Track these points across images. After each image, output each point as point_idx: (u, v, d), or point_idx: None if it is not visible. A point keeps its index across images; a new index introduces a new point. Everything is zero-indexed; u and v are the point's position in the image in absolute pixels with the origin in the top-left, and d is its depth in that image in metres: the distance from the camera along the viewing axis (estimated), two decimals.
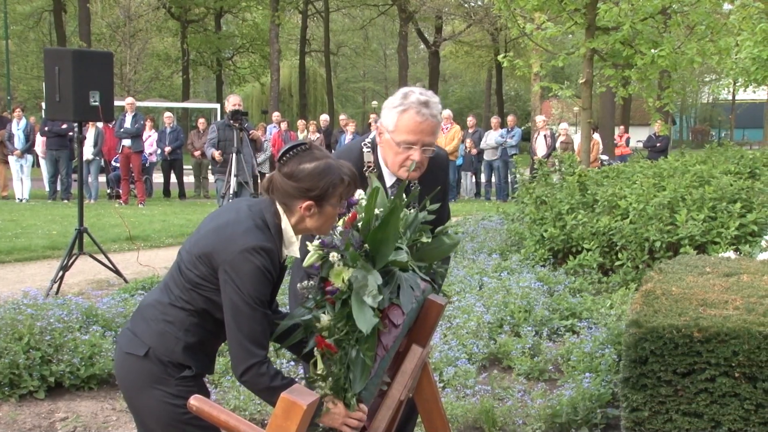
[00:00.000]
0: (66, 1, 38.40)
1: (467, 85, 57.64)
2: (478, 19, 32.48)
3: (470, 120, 19.51)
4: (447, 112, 18.75)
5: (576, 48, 11.37)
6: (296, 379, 2.54)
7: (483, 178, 18.83)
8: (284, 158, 2.59)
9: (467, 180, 19.47)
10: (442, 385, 4.72)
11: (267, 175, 2.73)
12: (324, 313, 2.57)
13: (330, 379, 2.50)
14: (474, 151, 18.46)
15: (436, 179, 3.27)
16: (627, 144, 20.99)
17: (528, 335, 5.42)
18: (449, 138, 17.94)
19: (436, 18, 35.54)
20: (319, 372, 2.54)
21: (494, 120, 18.92)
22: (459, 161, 18.45)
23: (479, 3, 31.56)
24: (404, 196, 2.93)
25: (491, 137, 18.14)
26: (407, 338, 2.89)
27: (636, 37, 10.55)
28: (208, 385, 4.72)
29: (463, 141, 18.39)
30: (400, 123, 3.08)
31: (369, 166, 3.20)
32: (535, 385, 4.88)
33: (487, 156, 18.19)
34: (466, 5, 33.83)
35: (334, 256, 2.57)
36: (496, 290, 6.38)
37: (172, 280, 2.66)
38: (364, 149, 3.23)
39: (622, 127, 22.90)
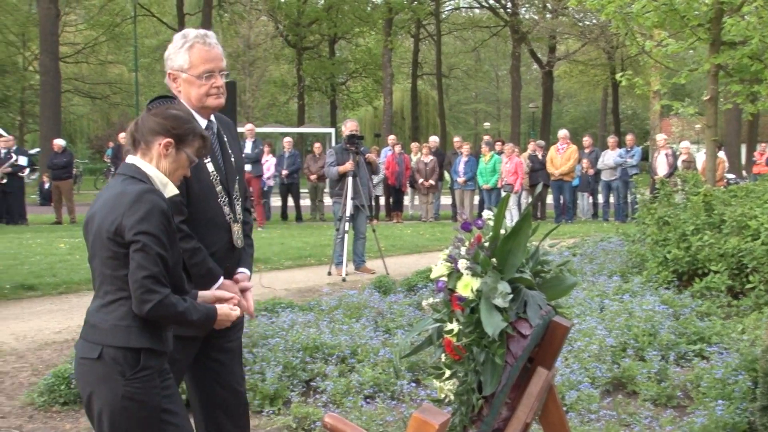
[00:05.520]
0: None
1: (582, 104, 56.73)
2: (594, 37, 31.96)
3: (586, 140, 19.17)
4: (564, 132, 18.49)
5: (699, 64, 11.00)
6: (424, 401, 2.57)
7: (600, 198, 18.43)
8: (154, 104, 2.92)
9: (584, 201, 19.11)
10: (565, 408, 4.62)
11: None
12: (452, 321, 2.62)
13: (454, 381, 2.54)
14: (591, 172, 18.12)
15: (234, 138, 3.52)
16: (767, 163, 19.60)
17: (653, 359, 5.25)
18: (565, 158, 17.69)
19: (550, 38, 35.19)
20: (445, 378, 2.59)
21: (611, 140, 18.51)
22: (575, 182, 18.14)
23: (594, 21, 31.00)
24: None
25: (609, 157, 17.76)
26: (532, 362, 2.86)
27: (765, 51, 10.12)
28: (330, 405, 4.82)
29: (579, 161, 18.08)
30: (193, 58, 3.26)
31: None
32: (663, 411, 4.72)
33: (605, 176, 17.81)
34: (580, 24, 33.33)
35: (463, 263, 2.60)
36: (618, 313, 6.22)
37: (100, 282, 2.78)
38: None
39: (764, 144, 21.58)
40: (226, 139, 3.43)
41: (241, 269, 3.46)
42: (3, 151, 17.30)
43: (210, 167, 3.26)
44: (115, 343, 2.70)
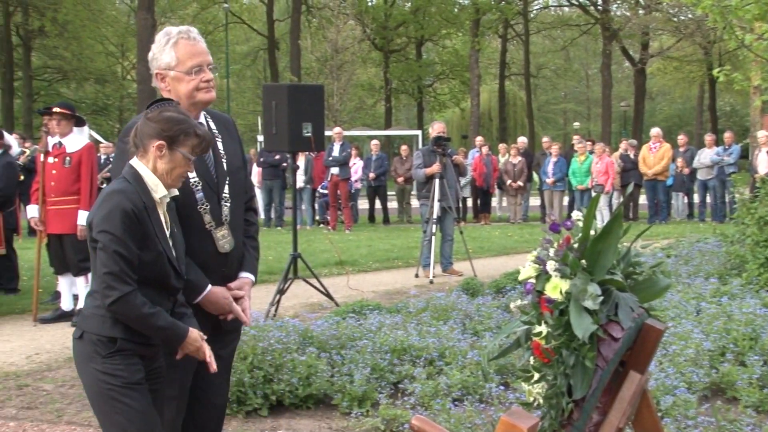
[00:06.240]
0: (279, 39, 40.89)
1: (676, 102, 55.10)
2: (689, 33, 30.96)
3: (681, 138, 18.61)
4: (656, 130, 18.02)
5: None
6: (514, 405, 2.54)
7: (696, 198, 17.86)
8: (152, 107, 3.00)
9: (678, 201, 18.55)
10: (660, 414, 4.48)
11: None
12: (540, 324, 2.58)
13: (543, 384, 2.49)
14: (686, 171, 17.59)
15: (233, 137, 3.46)
16: None
17: (755, 365, 5.04)
18: (658, 157, 17.23)
19: (643, 34, 34.30)
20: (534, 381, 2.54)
21: (709, 137, 17.90)
22: (669, 181, 17.64)
23: (689, 16, 30.05)
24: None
25: (705, 155, 17.20)
26: (624, 365, 2.79)
27: None
28: (418, 407, 4.81)
29: (673, 160, 17.57)
30: (179, 54, 3.24)
31: None
32: (766, 419, 4.52)
33: (701, 175, 17.26)
34: (675, 19, 32.35)
35: (551, 265, 2.55)
36: (715, 316, 6.00)
37: (92, 272, 2.97)
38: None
39: None
40: (220, 139, 3.37)
41: (243, 274, 3.39)
42: (103, 156, 17.93)
43: (191, 173, 3.20)
44: (92, 329, 2.91)
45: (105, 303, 2.82)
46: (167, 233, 2.99)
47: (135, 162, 2.99)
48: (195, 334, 3.01)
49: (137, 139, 2.99)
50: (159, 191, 2.96)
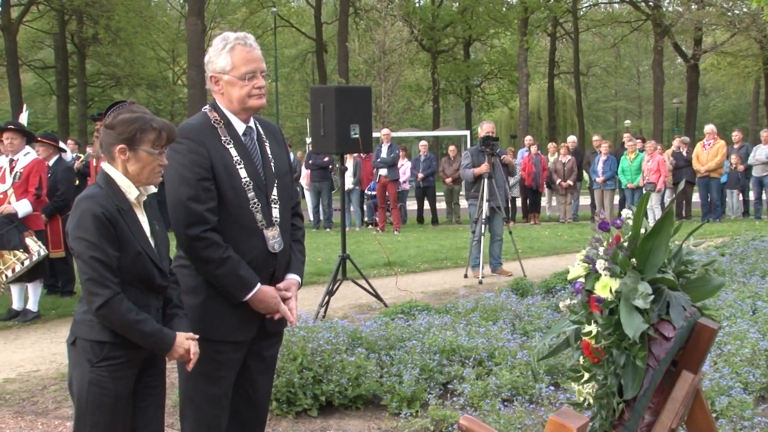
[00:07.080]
0: (327, 42, 41.16)
1: (731, 97, 54.01)
2: (744, 27, 30.31)
3: (736, 135, 18.23)
4: (711, 127, 17.68)
5: None
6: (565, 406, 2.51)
7: (752, 195, 17.47)
8: (108, 113, 3.00)
9: (733, 198, 18.16)
10: (714, 415, 4.40)
11: None
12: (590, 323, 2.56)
13: (593, 384, 2.48)
14: (741, 168, 17.22)
15: (279, 143, 3.52)
16: None
17: None
18: (712, 154, 16.91)
19: (695, 30, 33.67)
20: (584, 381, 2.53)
21: (764, 133, 17.48)
22: (723, 178, 17.29)
23: (744, 10, 29.41)
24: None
25: (761, 152, 16.81)
26: (676, 365, 2.74)
27: None
28: (468, 408, 4.79)
29: (727, 157, 17.22)
30: (234, 59, 3.30)
31: (217, 120, 3.32)
32: None
33: (756, 172, 16.88)
34: (729, 14, 31.67)
35: (601, 263, 2.53)
36: None
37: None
38: (206, 110, 3.39)
39: None
40: (268, 144, 3.43)
41: (290, 275, 3.45)
42: None
43: (243, 173, 3.26)
44: (81, 335, 2.97)
45: (91, 309, 2.87)
46: (147, 232, 3.04)
47: (106, 166, 3.04)
48: (181, 338, 3.02)
49: (103, 151, 3.04)
50: (132, 192, 3.01)
